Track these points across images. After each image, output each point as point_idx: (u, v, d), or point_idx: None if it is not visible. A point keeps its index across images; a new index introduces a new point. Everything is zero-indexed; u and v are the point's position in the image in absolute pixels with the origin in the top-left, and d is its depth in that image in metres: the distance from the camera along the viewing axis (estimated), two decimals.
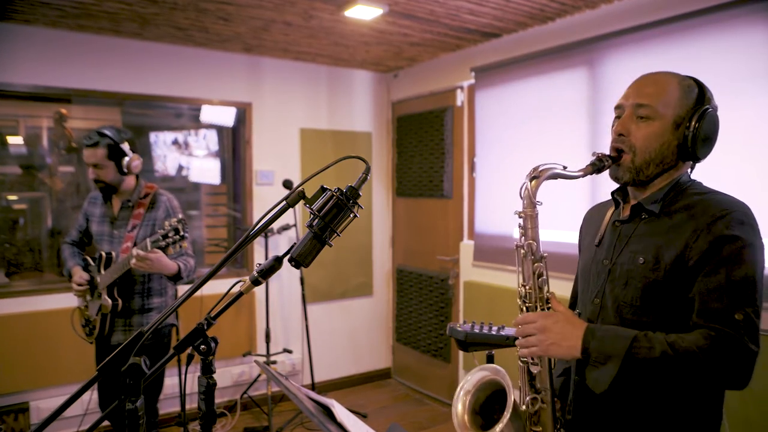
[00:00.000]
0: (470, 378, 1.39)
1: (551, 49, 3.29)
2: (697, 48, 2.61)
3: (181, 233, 2.44)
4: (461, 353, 4.02)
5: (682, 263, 1.21)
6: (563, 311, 1.28)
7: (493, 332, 2.14)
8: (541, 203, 1.31)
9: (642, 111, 1.29)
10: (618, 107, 1.35)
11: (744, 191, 2.48)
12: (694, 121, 1.26)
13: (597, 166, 1.31)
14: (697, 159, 1.31)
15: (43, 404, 3.41)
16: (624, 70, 2.92)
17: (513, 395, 1.30)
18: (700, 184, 1.34)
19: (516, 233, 1.40)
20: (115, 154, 2.62)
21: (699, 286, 1.19)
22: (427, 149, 4.36)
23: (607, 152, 1.34)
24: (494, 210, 3.74)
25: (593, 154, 1.33)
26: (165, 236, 2.43)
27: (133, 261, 2.47)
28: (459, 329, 2.16)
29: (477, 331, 2.15)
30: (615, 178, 1.35)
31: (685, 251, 1.21)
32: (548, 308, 1.31)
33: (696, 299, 1.19)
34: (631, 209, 1.35)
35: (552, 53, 3.29)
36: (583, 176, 1.31)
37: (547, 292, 1.31)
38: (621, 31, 2.91)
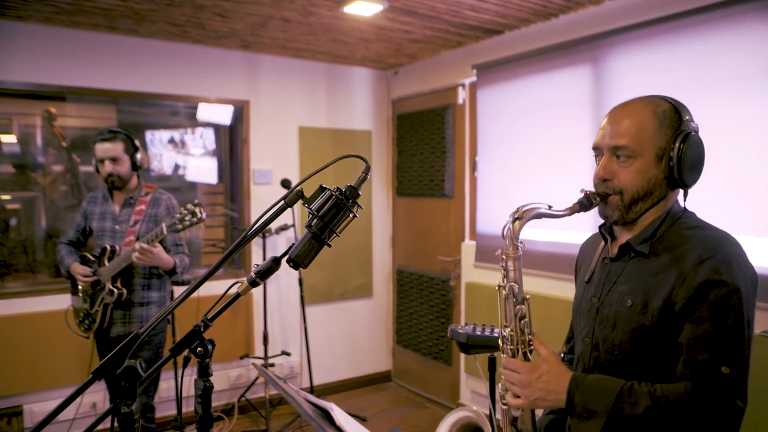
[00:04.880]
0: (447, 419, 1.46)
1: (554, 46, 3.26)
2: (701, 45, 2.58)
3: (199, 216, 2.52)
4: (462, 356, 3.98)
5: (670, 308, 1.19)
6: (546, 357, 1.25)
7: (495, 334, 2.11)
8: (524, 245, 1.29)
9: (621, 152, 1.25)
10: (595, 148, 1.31)
11: (745, 190, 2.48)
12: (676, 150, 1.22)
13: (584, 204, 1.28)
14: (686, 186, 1.27)
15: (36, 407, 3.36)
16: (628, 67, 2.88)
17: None
18: (692, 215, 1.30)
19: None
20: (131, 148, 2.76)
21: (686, 332, 1.16)
22: (427, 148, 4.31)
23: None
24: (496, 210, 3.69)
25: (581, 191, 1.30)
26: (182, 220, 2.52)
27: (136, 254, 2.55)
28: (460, 331, 2.14)
29: (479, 333, 2.13)
30: (604, 217, 1.32)
31: (671, 295, 1.18)
32: (531, 351, 1.29)
33: (683, 347, 1.17)
34: (620, 248, 1.32)
35: (555, 50, 3.25)
36: (569, 215, 1.28)
37: (529, 334, 1.29)
38: (625, 27, 2.88)
